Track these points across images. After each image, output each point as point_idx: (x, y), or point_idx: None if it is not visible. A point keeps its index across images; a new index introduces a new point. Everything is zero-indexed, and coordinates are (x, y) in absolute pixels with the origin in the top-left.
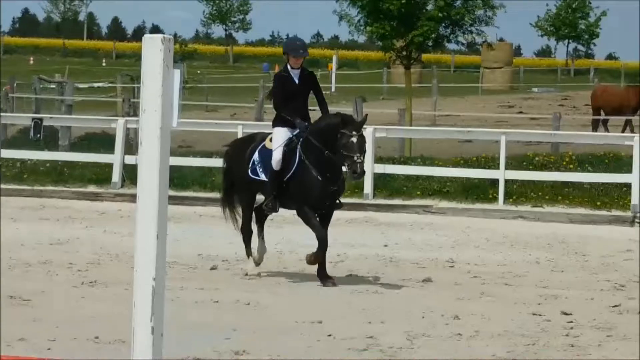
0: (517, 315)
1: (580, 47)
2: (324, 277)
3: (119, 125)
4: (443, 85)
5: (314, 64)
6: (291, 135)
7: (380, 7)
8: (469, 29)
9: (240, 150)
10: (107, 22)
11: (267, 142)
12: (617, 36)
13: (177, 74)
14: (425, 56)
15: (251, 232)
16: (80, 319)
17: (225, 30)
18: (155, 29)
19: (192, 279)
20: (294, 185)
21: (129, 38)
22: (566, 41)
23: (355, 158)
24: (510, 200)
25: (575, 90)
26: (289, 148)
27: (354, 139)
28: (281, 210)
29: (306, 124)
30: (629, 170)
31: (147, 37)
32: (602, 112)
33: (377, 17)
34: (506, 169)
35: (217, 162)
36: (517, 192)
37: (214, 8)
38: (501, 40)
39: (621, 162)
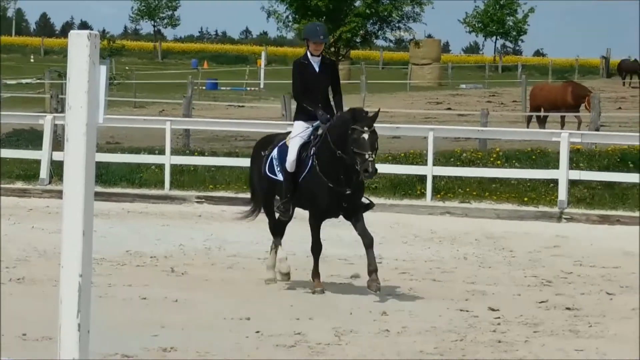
0: (444, 311)
1: (508, 43)
2: (316, 283)
3: (46, 122)
4: (371, 82)
5: (242, 60)
6: (309, 131)
7: (308, 4)
8: (397, 25)
9: (262, 148)
10: (36, 18)
11: (287, 139)
12: (545, 33)
13: (103, 70)
14: (353, 53)
15: (283, 227)
16: (7, 316)
17: (154, 26)
18: (84, 25)
19: (120, 276)
20: (305, 190)
21: (57, 34)
22: (494, 38)
23: (367, 156)
24: (438, 196)
25: (503, 86)
26: (305, 148)
27: (365, 135)
28: (209, 206)
29: (328, 116)
30: (556, 166)
31: (73, 34)
32: (542, 110)
33: (305, 13)
34: (434, 165)
35: (146, 159)
36: (445, 188)
37: (143, 4)
38: (429, 36)
39: (548, 158)
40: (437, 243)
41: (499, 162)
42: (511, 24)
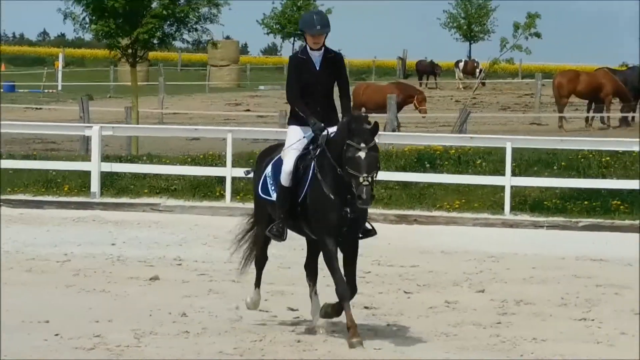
0: (244, 311)
1: None
2: (352, 334)
3: None
4: (170, 83)
5: (40, 62)
6: (307, 140)
7: (104, 5)
8: (194, 26)
9: (260, 162)
10: None
11: (283, 151)
12: (343, 34)
13: None
14: (152, 54)
15: (265, 258)
16: None
17: None
18: None
19: None
20: (309, 207)
21: None
22: (292, 39)
23: (361, 179)
24: (238, 197)
25: None
26: (303, 159)
27: (362, 154)
28: (7, 210)
29: (322, 124)
30: None
31: None
32: (362, 109)
33: (102, 14)
34: (233, 166)
35: None
36: (244, 190)
37: None
38: (228, 38)
39: None
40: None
41: None
42: None
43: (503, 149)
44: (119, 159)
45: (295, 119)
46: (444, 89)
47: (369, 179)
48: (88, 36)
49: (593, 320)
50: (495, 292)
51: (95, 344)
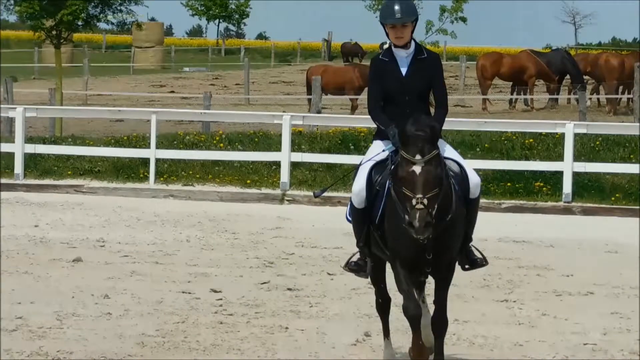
0: (167, 293)
1: (231, 26)
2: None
3: None
4: (94, 65)
5: None
6: (387, 152)
7: None
8: (119, 8)
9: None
10: None
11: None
12: (268, 16)
13: None
14: (77, 36)
15: (386, 299)
16: None
17: None
18: None
19: None
20: (388, 230)
21: None
22: (217, 21)
23: (414, 202)
24: (161, 179)
25: (226, 69)
26: (379, 172)
27: (417, 168)
28: None
29: None
30: (278, 149)
31: None
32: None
33: None
34: (157, 148)
35: None
36: (168, 171)
37: None
38: (152, 19)
39: (270, 141)
40: (160, 226)
41: (221, 144)
42: (234, 7)
43: None
44: (43, 141)
45: (380, 134)
46: None
47: (425, 200)
48: (12, 18)
49: (515, 301)
50: None
51: (18, 326)
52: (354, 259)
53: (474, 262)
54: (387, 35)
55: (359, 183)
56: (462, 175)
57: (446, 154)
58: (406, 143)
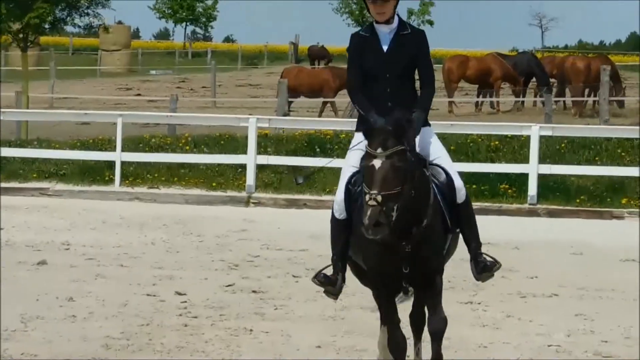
0: (131, 296)
1: (198, 29)
2: None
3: None
4: (61, 68)
5: None
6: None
7: None
8: (86, 11)
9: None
10: None
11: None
12: (234, 19)
13: None
14: (43, 39)
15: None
16: None
17: None
18: None
19: None
20: (356, 241)
21: None
22: (184, 24)
23: (367, 198)
24: (127, 182)
25: (193, 72)
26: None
27: (376, 162)
28: None
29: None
30: (244, 152)
31: None
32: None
33: None
34: (123, 150)
35: None
36: (134, 174)
37: None
38: (119, 22)
39: (236, 144)
40: (126, 229)
41: (187, 147)
42: (201, 10)
43: None
44: (8, 144)
45: (362, 122)
46: None
47: (378, 197)
48: None
49: (479, 303)
50: None
51: None
52: (326, 271)
53: (484, 267)
54: (369, 10)
55: (340, 191)
56: (449, 183)
57: (431, 150)
58: (370, 135)
